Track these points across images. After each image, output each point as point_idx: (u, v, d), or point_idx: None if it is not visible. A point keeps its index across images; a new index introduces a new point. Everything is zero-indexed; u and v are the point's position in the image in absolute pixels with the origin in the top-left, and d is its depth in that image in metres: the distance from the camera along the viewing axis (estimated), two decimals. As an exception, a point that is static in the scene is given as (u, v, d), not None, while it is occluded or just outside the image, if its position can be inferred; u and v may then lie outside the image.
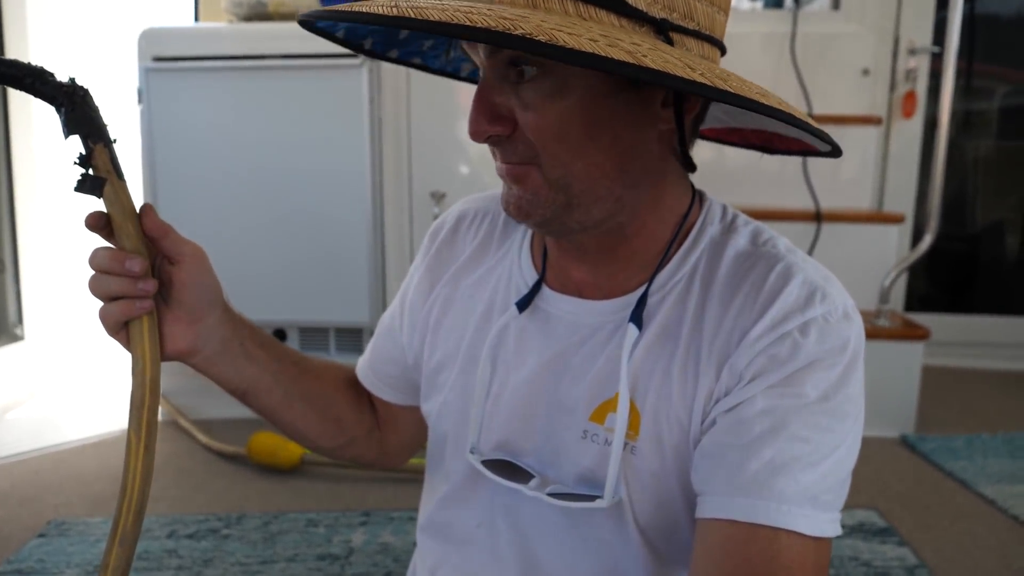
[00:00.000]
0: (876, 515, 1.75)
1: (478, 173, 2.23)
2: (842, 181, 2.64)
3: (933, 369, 2.60)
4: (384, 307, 2.25)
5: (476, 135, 0.59)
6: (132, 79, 2.18)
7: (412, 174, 2.24)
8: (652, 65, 0.46)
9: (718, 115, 0.72)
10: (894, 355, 2.20)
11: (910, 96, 2.72)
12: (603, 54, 0.44)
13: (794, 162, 2.55)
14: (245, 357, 0.72)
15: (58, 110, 0.59)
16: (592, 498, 0.64)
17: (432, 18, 0.46)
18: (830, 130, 2.30)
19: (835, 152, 0.63)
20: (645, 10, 0.53)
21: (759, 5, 3.79)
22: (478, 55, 0.58)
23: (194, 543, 1.60)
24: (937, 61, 2.67)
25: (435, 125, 2.22)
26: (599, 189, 0.60)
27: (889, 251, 2.42)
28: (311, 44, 2.11)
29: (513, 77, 0.57)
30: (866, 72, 2.75)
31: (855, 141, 2.61)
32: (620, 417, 0.62)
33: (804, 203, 2.49)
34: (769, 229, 0.68)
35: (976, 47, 2.90)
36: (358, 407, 0.85)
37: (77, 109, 0.59)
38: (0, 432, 2.22)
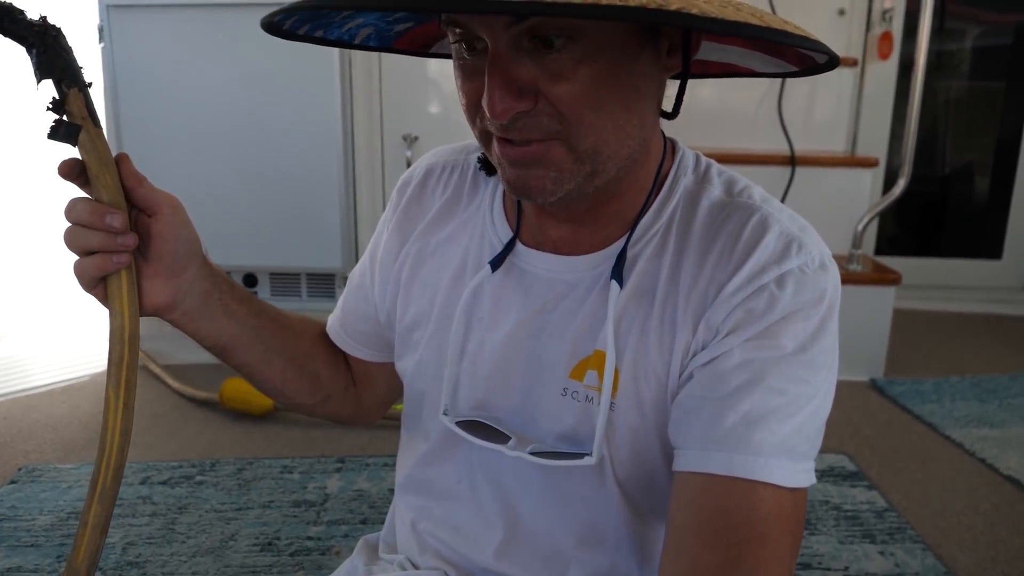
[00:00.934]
0: (846, 459, 1.79)
1: (449, 113, 2.19)
2: (816, 124, 2.63)
3: (902, 312, 2.63)
4: (356, 252, 2.23)
5: (503, 113, 0.54)
6: (92, 16, 2.10)
7: (384, 116, 2.19)
8: (715, 14, 0.44)
9: None
10: (865, 299, 2.22)
11: (886, 36, 2.69)
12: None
13: (768, 105, 2.52)
14: (224, 312, 0.70)
15: (29, 51, 0.56)
16: (579, 456, 0.63)
17: None
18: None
19: (826, 67, 0.59)
20: None
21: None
22: (490, 26, 0.53)
23: (168, 489, 1.61)
24: (913, 1, 2.64)
25: (406, 66, 2.16)
26: (623, 150, 0.58)
27: (862, 195, 2.43)
28: (277, -20, 2.06)
29: (527, 46, 0.53)
30: (842, 12, 2.72)
31: (830, 83, 2.60)
32: (607, 375, 0.62)
33: (778, 146, 2.48)
34: (743, 178, 0.67)
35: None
36: (334, 363, 0.84)
37: (49, 50, 0.55)
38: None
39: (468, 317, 0.70)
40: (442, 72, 2.18)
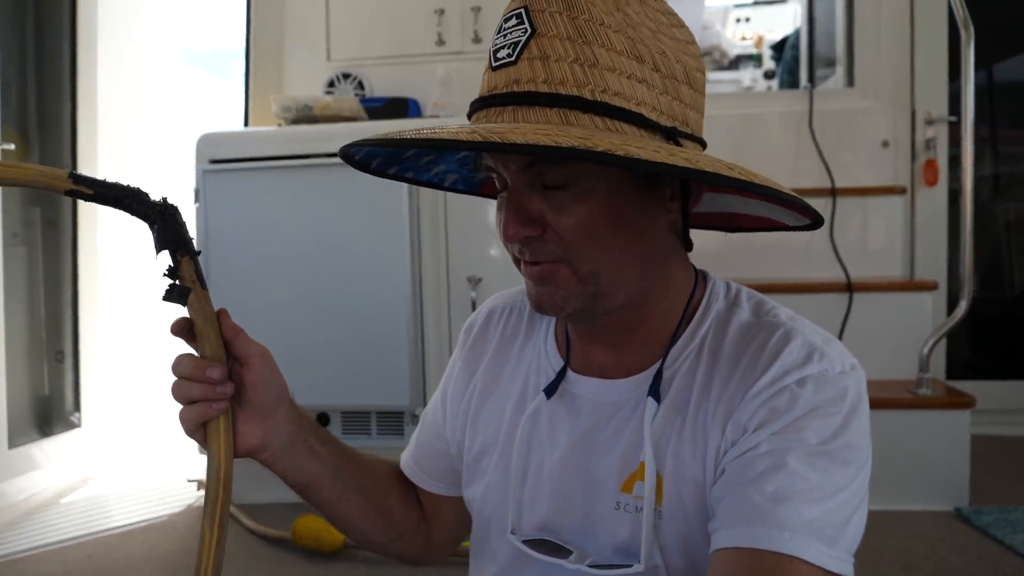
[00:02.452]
0: (935, 592, 1.70)
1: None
2: (871, 251, 2.66)
3: (983, 438, 2.49)
4: (424, 390, 2.31)
5: (511, 237, 0.64)
6: (190, 180, 2.35)
7: (449, 260, 2.32)
8: (708, 168, 0.55)
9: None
10: (939, 425, 2.14)
11: (930, 164, 2.76)
12: (671, 163, 0.54)
13: (821, 235, 2.58)
14: (308, 452, 0.76)
15: (151, 227, 0.64)
16: (628, 566, 0.67)
17: (510, 140, 0.54)
18: (854, 202, 2.38)
19: (814, 225, 0.68)
20: (658, 121, 0.62)
21: (775, 86, 3.92)
22: (508, 168, 0.65)
23: (242, 629, 1.62)
24: (956, 129, 2.72)
25: (470, 213, 2.32)
26: (622, 277, 0.67)
27: (925, 318, 2.41)
28: (353, 144, 2.27)
29: (539, 185, 0.64)
30: (886, 144, 2.81)
31: (881, 211, 2.65)
32: (648, 484, 0.67)
33: (834, 274, 2.51)
34: (771, 301, 0.73)
35: (999, 113, 2.93)
36: (407, 500, 0.88)
37: (168, 226, 0.63)
38: (55, 517, 2.30)
39: (528, 441, 0.75)
40: (502, 217, 2.32)
